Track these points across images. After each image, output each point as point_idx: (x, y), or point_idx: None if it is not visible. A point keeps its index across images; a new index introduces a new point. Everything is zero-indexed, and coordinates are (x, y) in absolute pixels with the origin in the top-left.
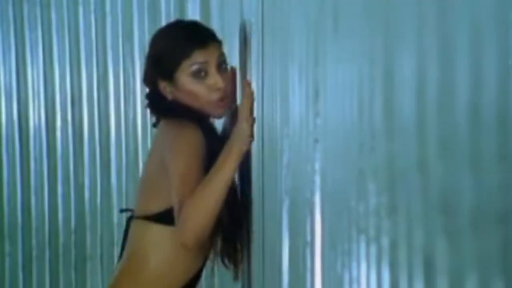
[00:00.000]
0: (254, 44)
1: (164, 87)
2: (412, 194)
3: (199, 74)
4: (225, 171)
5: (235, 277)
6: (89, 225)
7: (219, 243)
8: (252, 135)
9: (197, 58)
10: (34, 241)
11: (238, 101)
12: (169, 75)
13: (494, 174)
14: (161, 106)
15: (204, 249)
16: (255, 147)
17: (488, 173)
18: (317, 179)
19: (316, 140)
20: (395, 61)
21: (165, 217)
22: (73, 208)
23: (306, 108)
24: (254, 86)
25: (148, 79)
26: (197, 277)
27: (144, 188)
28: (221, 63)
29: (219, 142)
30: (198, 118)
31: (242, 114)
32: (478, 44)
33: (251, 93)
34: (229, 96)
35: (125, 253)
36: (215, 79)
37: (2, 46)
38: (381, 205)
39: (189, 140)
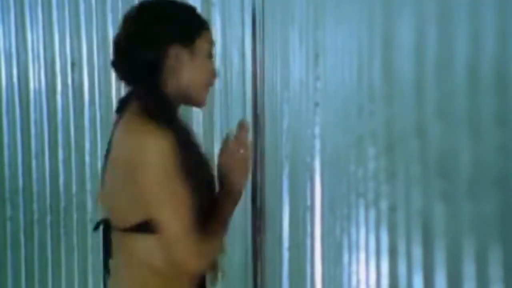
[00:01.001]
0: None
1: (176, 54)
2: (410, 158)
3: (210, 52)
4: (226, 214)
5: (213, 279)
6: (90, 190)
7: None
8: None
9: (209, 37)
10: (35, 205)
11: None
12: (190, 39)
13: (492, 137)
14: (151, 85)
15: None
16: (254, 111)
17: (486, 136)
18: (317, 144)
19: (316, 104)
20: (394, 25)
21: (147, 227)
22: (74, 172)
23: (306, 72)
24: (258, 50)
25: (155, 40)
26: None
27: (115, 199)
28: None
29: (191, 144)
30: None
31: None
32: (476, 8)
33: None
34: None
35: (114, 266)
36: (214, 65)
37: (1, 10)
38: (380, 169)
39: (163, 154)
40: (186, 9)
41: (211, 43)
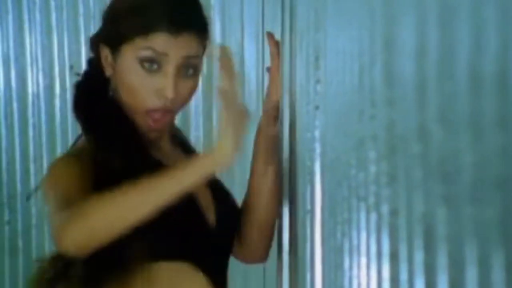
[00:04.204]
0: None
1: (106, 56)
2: (412, 161)
3: (151, 65)
4: (162, 186)
5: None
6: None
7: None
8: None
9: (156, 43)
10: (33, 210)
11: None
12: (114, 43)
13: (495, 141)
14: (90, 90)
15: None
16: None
17: (489, 140)
18: (317, 147)
19: (316, 107)
20: (395, 28)
21: None
22: None
23: (307, 75)
24: (253, 54)
25: (94, 38)
26: None
27: None
28: (189, 66)
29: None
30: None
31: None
32: (478, 9)
33: (278, 56)
34: (173, 115)
35: None
36: (166, 81)
37: None
38: (381, 173)
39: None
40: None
41: (161, 52)
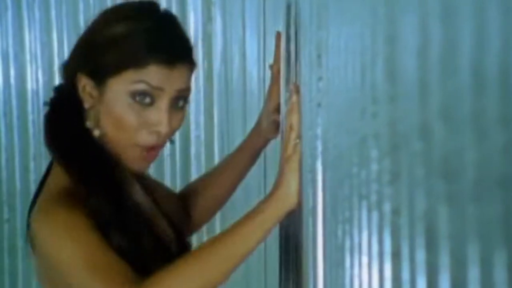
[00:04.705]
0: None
1: (84, 85)
2: (414, 159)
3: (143, 98)
4: (244, 236)
5: None
6: None
7: None
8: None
9: (151, 77)
10: None
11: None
12: (99, 74)
13: (497, 138)
14: (63, 121)
15: None
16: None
17: (491, 137)
18: (319, 145)
19: (318, 105)
20: (397, 25)
21: None
22: None
23: (309, 73)
24: (255, 50)
25: (70, 66)
26: None
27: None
28: (180, 98)
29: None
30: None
31: (290, 146)
32: (482, 6)
33: (299, 106)
34: (162, 145)
35: None
36: (161, 116)
37: None
38: (383, 171)
39: (72, 225)
40: (131, 25)
41: (156, 87)
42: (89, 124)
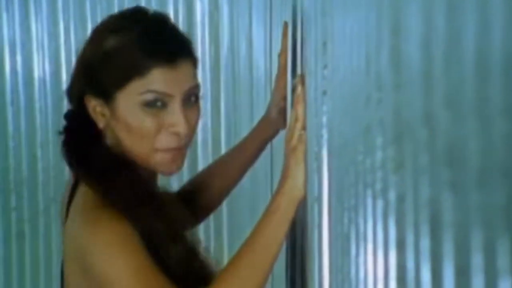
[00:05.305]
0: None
1: (94, 106)
2: (419, 147)
3: (154, 104)
4: (269, 236)
5: None
6: None
7: None
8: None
9: (156, 83)
10: (40, 196)
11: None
12: (105, 92)
13: (501, 126)
14: (83, 146)
15: None
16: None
17: (495, 125)
18: (325, 133)
19: (324, 93)
20: (402, 12)
21: None
22: None
23: (315, 60)
24: (261, 38)
25: (74, 90)
26: None
27: None
28: (191, 95)
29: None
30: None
31: (294, 136)
32: None
33: (304, 97)
34: (189, 142)
35: None
36: (176, 118)
37: None
38: (387, 159)
39: (119, 240)
40: (126, 35)
41: (163, 92)
42: (108, 142)
